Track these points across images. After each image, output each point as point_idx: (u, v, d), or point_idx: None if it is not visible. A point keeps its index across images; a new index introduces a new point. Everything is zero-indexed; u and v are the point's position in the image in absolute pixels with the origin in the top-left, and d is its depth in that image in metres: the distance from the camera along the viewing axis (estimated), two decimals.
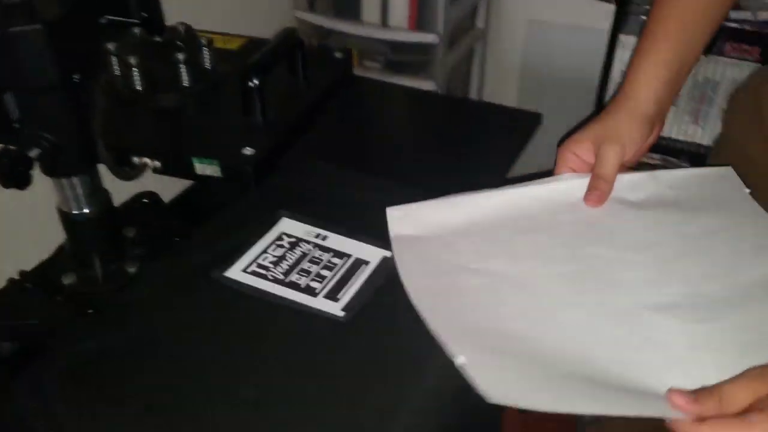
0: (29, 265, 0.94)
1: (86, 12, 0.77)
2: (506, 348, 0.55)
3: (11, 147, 0.66)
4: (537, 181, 0.71)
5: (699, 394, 0.48)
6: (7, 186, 0.66)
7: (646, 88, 0.71)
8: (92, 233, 0.76)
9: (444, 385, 0.56)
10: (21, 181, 0.66)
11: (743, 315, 0.58)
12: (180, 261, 0.69)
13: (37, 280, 0.77)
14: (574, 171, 0.71)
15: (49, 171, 0.70)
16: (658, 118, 0.72)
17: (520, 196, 0.71)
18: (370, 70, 1.44)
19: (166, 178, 0.77)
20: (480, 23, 1.65)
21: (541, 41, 1.77)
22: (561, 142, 0.74)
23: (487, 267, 0.64)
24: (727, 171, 0.73)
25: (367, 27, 1.38)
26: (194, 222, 0.87)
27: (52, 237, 0.98)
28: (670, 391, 0.49)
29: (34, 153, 0.67)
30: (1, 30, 0.60)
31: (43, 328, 0.73)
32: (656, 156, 1.65)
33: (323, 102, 0.88)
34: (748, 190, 0.71)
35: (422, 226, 0.67)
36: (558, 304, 0.60)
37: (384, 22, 1.38)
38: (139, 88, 0.81)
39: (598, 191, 0.69)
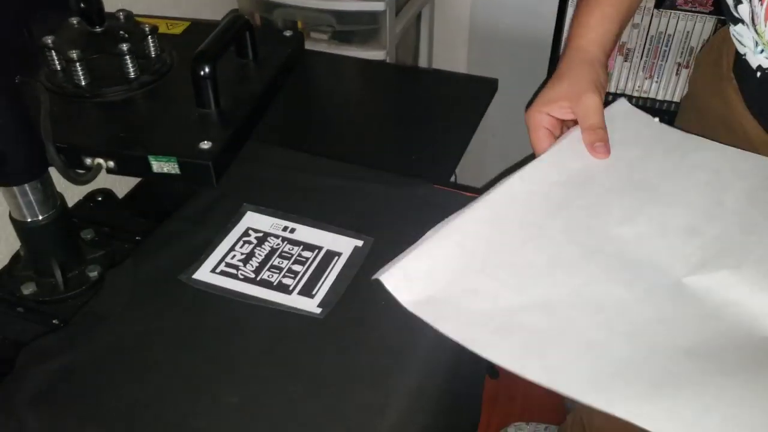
0: None
1: (19, 6, 0.73)
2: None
3: None
4: (501, 182, 0.66)
5: None
6: None
7: (597, 42, 0.73)
8: (49, 240, 0.73)
9: (428, 383, 0.57)
10: None
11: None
12: (144, 264, 0.68)
13: None
14: (550, 132, 0.71)
15: None
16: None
17: (494, 201, 0.64)
18: (317, 42, 1.41)
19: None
20: None
21: (488, 3, 1.76)
22: (527, 108, 0.73)
23: (518, 299, 0.57)
24: (622, 103, 0.76)
25: None
26: (152, 216, 0.85)
27: (4, 245, 0.94)
28: None
29: None
30: None
31: (5, 342, 0.70)
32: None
33: (277, 84, 0.86)
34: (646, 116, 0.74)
35: (428, 282, 0.57)
36: (611, 303, 0.56)
37: None
38: (83, 83, 0.77)
39: (603, 141, 0.68)
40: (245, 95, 0.80)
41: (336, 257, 0.67)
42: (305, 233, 0.70)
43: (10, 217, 0.71)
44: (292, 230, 0.70)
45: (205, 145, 0.70)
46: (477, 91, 1.08)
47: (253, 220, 0.71)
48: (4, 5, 0.67)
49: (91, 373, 0.57)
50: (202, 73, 0.73)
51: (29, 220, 0.71)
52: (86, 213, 0.84)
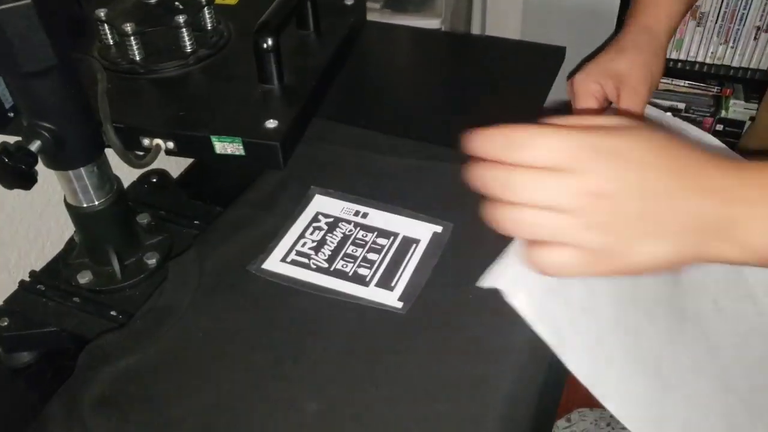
0: (38, 263, 0.88)
1: None
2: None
3: (9, 143, 0.58)
4: None
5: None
6: (10, 187, 0.59)
7: (665, 23, 0.70)
8: (105, 226, 0.68)
9: (525, 390, 0.51)
10: (25, 180, 0.59)
11: None
12: (209, 254, 0.63)
13: (50, 281, 0.70)
14: (599, 102, 0.67)
15: (53, 164, 0.63)
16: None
17: None
18: (369, 12, 1.35)
19: None
20: None
21: None
22: (572, 74, 0.70)
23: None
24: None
25: None
26: (209, 199, 0.81)
27: (57, 231, 0.91)
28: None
29: (35, 146, 0.59)
30: None
31: (62, 334, 0.66)
32: (682, 83, 1.57)
33: (340, 57, 0.80)
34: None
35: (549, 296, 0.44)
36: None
37: None
38: (137, 58, 0.72)
39: None
40: (309, 69, 0.74)
41: (414, 245, 0.62)
42: (379, 218, 0.64)
43: (65, 202, 0.67)
44: (365, 215, 0.65)
45: (271, 123, 0.64)
46: (543, 61, 1.01)
47: (322, 204, 0.66)
48: None
49: (158, 374, 0.53)
50: (265, 45, 0.68)
51: (85, 205, 0.66)
52: (141, 196, 0.80)
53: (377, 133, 0.75)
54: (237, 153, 0.65)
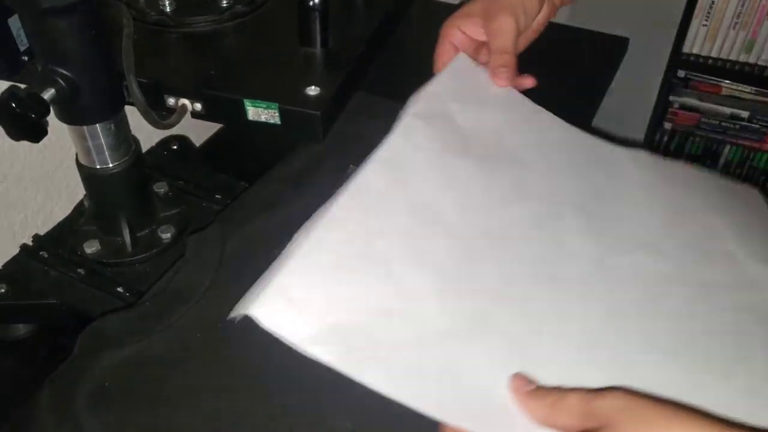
0: (44, 227, 0.81)
1: None
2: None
3: (19, 87, 0.51)
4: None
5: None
6: (17, 138, 0.52)
7: None
8: (118, 192, 0.62)
9: None
10: (34, 132, 0.52)
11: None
12: (233, 233, 0.56)
13: (54, 248, 0.64)
14: (457, 49, 0.62)
15: (67, 117, 0.56)
16: None
17: (372, 176, 0.48)
18: None
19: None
20: None
21: None
22: None
23: (445, 320, 0.43)
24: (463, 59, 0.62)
25: None
26: (233, 172, 0.74)
27: (66, 194, 0.84)
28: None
29: (48, 94, 0.52)
30: None
31: (62, 308, 0.60)
32: (748, 89, 1.48)
33: (387, 27, 0.73)
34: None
35: (324, 306, 0.39)
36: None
37: None
38: (168, 9, 0.65)
39: (506, 68, 0.59)
40: (355, 37, 0.67)
41: None
42: None
43: (77, 162, 0.60)
44: None
45: (313, 90, 0.57)
46: (605, 50, 0.93)
47: None
48: None
49: (166, 370, 0.46)
50: (311, 3, 0.60)
51: (98, 166, 0.60)
52: (159, 163, 0.73)
53: None
54: (271, 121, 0.57)
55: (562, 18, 1.70)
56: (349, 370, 0.36)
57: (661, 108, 1.62)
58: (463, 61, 0.62)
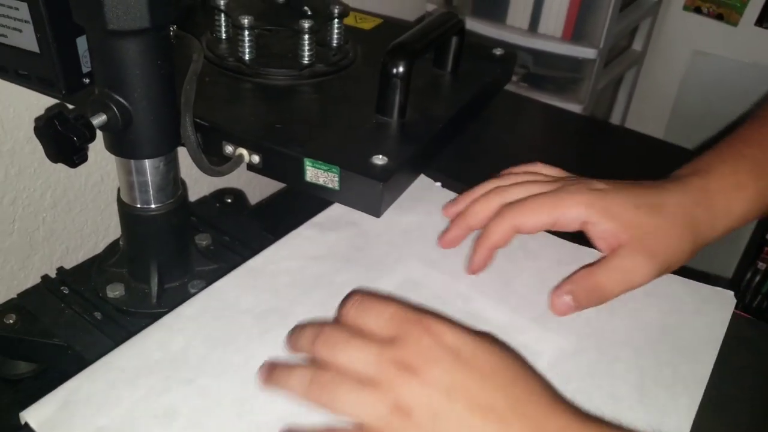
0: (71, 260, 0.78)
1: None
2: None
3: (68, 108, 0.48)
4: None
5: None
6: (54, 159, 0.48)
7: (737, 212, 0.50)
8: (155, 236, 0.57)
9: None
10: (73, 156, 0.48)
11: None
12: None
13: (76, 285, 0.59)
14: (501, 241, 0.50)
15: (116, 148, 0.52)
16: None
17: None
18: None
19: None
20: (638, 46, 1.43)
21: (703, 74, 1.53)
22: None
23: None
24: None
25: (512, 31, 1.16)
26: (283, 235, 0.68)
27: (114, 233, 0.81)
28: None
29: (98, 120, 0.48)
30: None
31: (69, 351, 0.54)
32: None
33: (473, 108, 0.68)
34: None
35: (102, 409, 0.40)
36: None
37: (533, 28, 1.16)
38: (247, 57, 0.62)
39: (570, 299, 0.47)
40: (436, 113, 0.62)
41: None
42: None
43: (118, 198, 0.56)
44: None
45: (380, 160, 0.52)
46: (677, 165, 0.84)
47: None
48: None
49: None
50: (394, 70, 0.56)
51: (138, 205, 0.55)
52: (208, 213, 0.68)
53: None
54: (329, 185, 0.52)
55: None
56: None
57: (755, 247, 1.52)
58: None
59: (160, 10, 0.46)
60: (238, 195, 0.73)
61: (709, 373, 0.45)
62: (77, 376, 0.42)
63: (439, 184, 0.61)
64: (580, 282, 0.47)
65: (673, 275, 0.51)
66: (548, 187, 0.50)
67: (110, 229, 0.81)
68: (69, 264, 0.66)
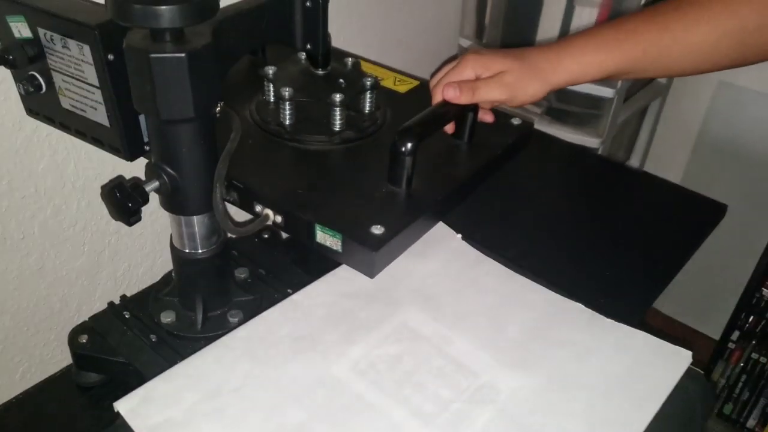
0: (144, 279, 0.91)
1: (245, 39, 0.71)
2: None
3: (125, 179, 0.61)
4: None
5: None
6: (115, 218, 0.61)
7: (576, 68, 0.72)
8: (200, 276, 0.69)
9: None
10: (127, 216, 0.60)
11: None
12: None
13: (136, 311, 0.72)
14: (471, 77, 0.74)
15: (168, 206, 0.64)
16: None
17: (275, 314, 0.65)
18: (528, 113, 1.30)
19: None
20: (662, 79, 1.45)
21: (728, 106, 1.53)
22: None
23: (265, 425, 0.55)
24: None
25: None
26: (311, 269, 0.79)
27: (161, 264, 0.95)
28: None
29: (151, 186, 0.61)
30: (143, 53, 0.53)
31: (129, 367, 0.67)
32: None
33: (485, 173, 0.76)
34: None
35: (169, 403, 0.56)
36: None
37: None
38: (287, 123, 0.73)
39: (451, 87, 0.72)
40: (443, 180, 0.71)
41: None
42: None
43: (170, 243, 0.69)
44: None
45: (377, 230, 0.62)
46: (697, 214, 0.86)
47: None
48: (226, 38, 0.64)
49: None
50: (402, 149, 0.66)
51: (187, 251, 0.68)
52: (248, 249, 0.80)
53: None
54: (334, 248, 0.63)
55: (662, 168, 1.63)
56: None
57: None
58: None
59: (203, 103, 0.58)
60: (274, 232, 0.85)
61: (650, 419, 0.54)
62: (155, 379, 0.57)
63: (459, 236, 0.72)
64: (465, 83, 0.72)
65: (640, 331, 0.62)
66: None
67: (165, 251, 0.94)
68: (130, 279, 0.79)
